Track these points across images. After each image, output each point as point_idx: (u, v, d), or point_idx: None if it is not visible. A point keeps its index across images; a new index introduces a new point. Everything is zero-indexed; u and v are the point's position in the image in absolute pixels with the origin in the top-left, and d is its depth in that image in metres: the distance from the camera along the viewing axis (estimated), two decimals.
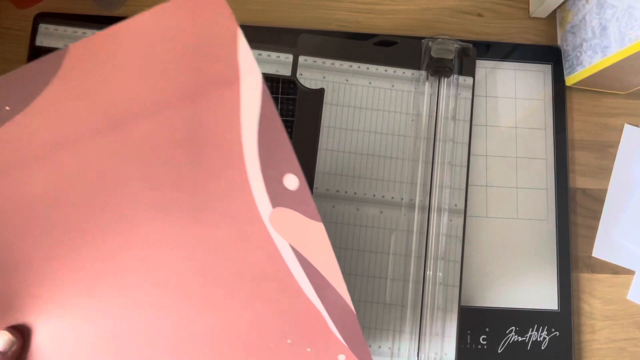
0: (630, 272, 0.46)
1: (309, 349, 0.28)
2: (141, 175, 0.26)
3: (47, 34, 0.45)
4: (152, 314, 0.27)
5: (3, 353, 0.27)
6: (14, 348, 0.27)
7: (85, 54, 0.25)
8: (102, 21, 0.46)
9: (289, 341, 0.28)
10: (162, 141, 0.25)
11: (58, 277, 0.27)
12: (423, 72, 0.45)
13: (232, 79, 0.24)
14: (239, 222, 0.26)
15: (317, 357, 0.28)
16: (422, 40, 0.45)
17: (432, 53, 0.44)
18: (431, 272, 0.42)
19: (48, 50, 0.45)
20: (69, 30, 0.45)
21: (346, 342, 0.28)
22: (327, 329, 0.28)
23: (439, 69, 0.44)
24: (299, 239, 0.26)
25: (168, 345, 0.27)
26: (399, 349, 0.41)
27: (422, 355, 0.40)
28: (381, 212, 0.42)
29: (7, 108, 0.25)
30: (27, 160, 0.26)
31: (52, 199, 0.26)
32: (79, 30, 0.45)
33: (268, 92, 0.24)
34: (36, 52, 0.45)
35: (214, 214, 0.26)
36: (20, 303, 0.27)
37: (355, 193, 0.43)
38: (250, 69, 0.24)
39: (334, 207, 0.43)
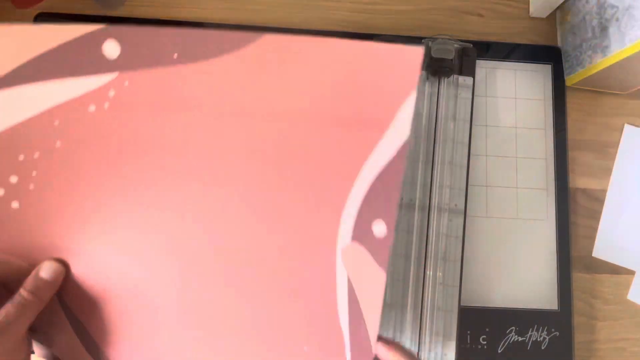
0: (630, 272, 0.46)
1: None
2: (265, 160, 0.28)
3: None
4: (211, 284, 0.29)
5: (51, 282, 0.29)
6: (58, 277, 0.29)
7: (272, 47, 0.27)
8: (102, 21, 0.46)
9: (305, 348, 0.29)
10: (296, 144, 0.28)
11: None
12: (423, 72, 0.45)
13: (382, 126, 0.27)
14: (315, 233, 0.28)
15: None
16: (422, 41, 0.45)
17: (432, 53, 0.44)
18: (431, 272, 0.42)
19: None
20: None
21: None
22: (343, 351, 0.29)
23: (439, 69, 0.44)
24: (358, 277, 0.28)
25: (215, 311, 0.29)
26: None
27: (422, 355, 0.40)
28: None
29: (175, 56, 0.27)
30: (168, 106, 0.28)
31: (161, 143, 0.28)
32: None
33: (405, 153, 0.26)
34: None
35: (300, 211, 0.28)
36: (59, 240, 0.29)
37: None
38: (403, 126, 0.26)
39: None
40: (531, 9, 0.50)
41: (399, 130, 0.26)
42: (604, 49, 0.42)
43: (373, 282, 0.28)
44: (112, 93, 0.28)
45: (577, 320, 0.45)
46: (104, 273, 0.30)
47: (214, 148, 0.28)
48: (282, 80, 0.27)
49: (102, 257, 0.30)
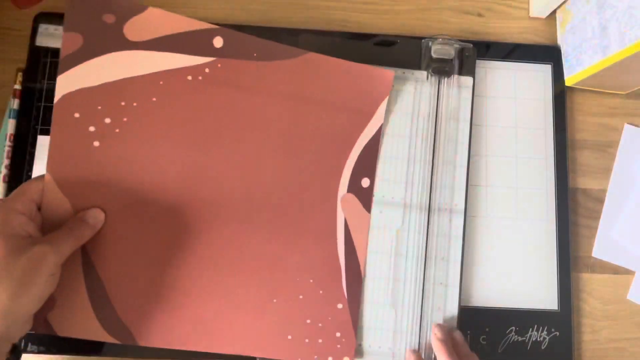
0: (630, 272, 0.46)
1: (321, 292, 0.39)
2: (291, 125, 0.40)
3: (47, 34, 0.45)
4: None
5: (93, 227, 0.36)
6: (98, 225, 0.36)
7: (310, 60, 0.40)
8: None
9: (311, 280, 0.39)
10: (315, 122, 0.40)
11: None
12: (423, 72, 0.45)
13: (368, 115, 0.42)
14: (323, 185, 0.40)
15: (325, 300, 0.39)
16: (422, 41, 0.45)
17: (432, 53, 0.44)
18: (431, 272, 0.42)
19: (48, 50, 0.45)
20: None
21: (347, 295, 0.40)
22: (340, 281, 0.40)
23: (439, 69, 0.44)
24: (351, 219, 0.41)
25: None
26: (399, 349, 0.41)
27: (422, 355, 0.40)
28: (381, 212, 0.42)
29: (255, 55, 0.39)
30: (241, 86, 0.39)
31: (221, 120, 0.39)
32: None
33: (380, 131, 0.42)
34: (36, 52, 0.45)
35: (314, 169, 0.40)
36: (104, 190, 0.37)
37: None
38: (380, 116, 0.42)
39: None
40: (531, 9, 0.50)
41: (378, 118, 0.42)
42: (604, 49, 0.42)
43: (361, 222, 0.41)
44: (207, 70, 0.38)
45: (577, 320, 0.45)
46: (140, 230, 0.37)
47: (263, 119, 0.39)
48: (312, 81, 0.40)
49: (148, 213, 0.37)
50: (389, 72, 0.42)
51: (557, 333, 0.43)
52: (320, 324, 0.39)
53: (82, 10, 0.35)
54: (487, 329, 0.43)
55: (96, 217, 0.36)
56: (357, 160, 0.41)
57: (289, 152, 0.40)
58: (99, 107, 0.36)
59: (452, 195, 0.43)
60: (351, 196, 0.40)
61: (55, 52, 0.45)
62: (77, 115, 0.36)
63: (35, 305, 0.32)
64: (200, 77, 0.37)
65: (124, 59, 0.36)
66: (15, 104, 0.44)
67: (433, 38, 0.45)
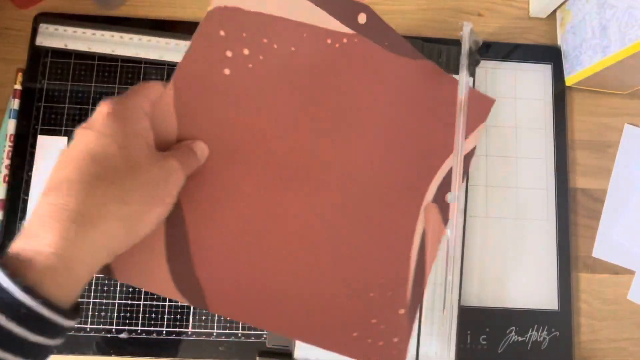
0: (630, 272, 0.46)
1: (389, 294, 0.38)
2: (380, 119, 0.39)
3: (47, 34, 0.44)
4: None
5: (198, 160, 0.31)
6: (202, 159, 0.31)
7: (429, 68, 0.41)
8: (102, 21, 0.46)
9: (382, 280, 0.38)
10: (416, 132, 0.41)
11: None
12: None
13: (467, 133, 0.42)
14: (410, 190, 0.40)
15: (391, 303, 0.38)
16: (464, 24, 0.43)
17: (471, 44, 0.43)
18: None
19: (48, 50, 0.45)
20: (69, 30, 0.45)
21: (410, 302, 0.38)
22: (406, 287, 0.39)
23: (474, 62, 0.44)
24: (430, 228, 0.40)
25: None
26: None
27: (422, 355, 0.40)
28: None
29: (386, 43, 0.39)
30: (358, 64, 0.38)
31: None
32: (79, 30, 0.45)
33: (473, 152, 0.43)
34: (36, 52, 0.45)
35: (407, 173, 0.40)
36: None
37: None
38: (475, 138, 0.43)
39: None
40: (531, 9, 0.50)
41: (473, 140, 0.43)
42: (604, 49, 0.42)
43: (437, 235, 0.40)
44: (345, 40, 0.37)
45: (577, 320, 0.45)
46: (236, 184, 0.34)
47: (377, 107, 0.39)
48: (425, 87, 0.41)
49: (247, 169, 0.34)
50: (490, 99, 0.44)
51: (557, 333, 0.43)
52: (383, 326, 0.37)
53: None
54: (487, 329, 0.43)
55: (203, 150, 0.31)
56: (447, 174, 0.41)
57: (389, 147, 0.39)
58: (244, 35, 0.33)
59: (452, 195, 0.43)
60: (434, 206, 0.40)
61: (55, 52, 0.45)
62: (222, 33, 0.32)
63: (151, 229, 0.27)
64: (337, 45, 0.37)
65: None
66: (15, 104, 0.44)
67: (466, 24, 0.43)
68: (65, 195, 0.23)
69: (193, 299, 0.32)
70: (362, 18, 0.37)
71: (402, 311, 0.38)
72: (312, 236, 0.36)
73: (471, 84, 0.45)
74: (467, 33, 0.42)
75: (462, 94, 0.41)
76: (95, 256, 0.24)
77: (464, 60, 0.42)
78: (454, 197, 0.40)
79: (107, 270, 0.28)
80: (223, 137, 0.33)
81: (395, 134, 0.39)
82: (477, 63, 0.45)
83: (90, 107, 0.44)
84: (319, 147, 0.36)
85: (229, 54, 0.33)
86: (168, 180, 0.27)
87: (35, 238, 0.23)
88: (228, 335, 0.41)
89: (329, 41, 0.36)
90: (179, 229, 0.31)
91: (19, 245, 0.23)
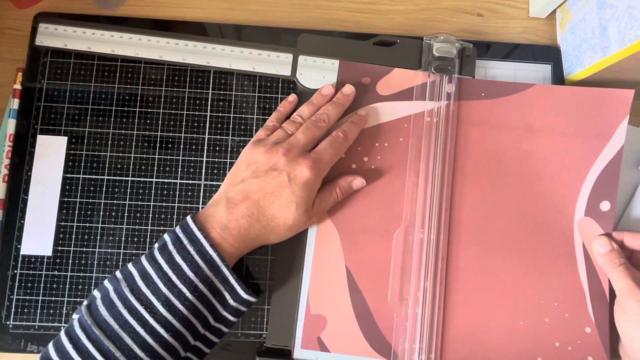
0: None
1: (567, 315, 0.40)
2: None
3: (47, 34, 0.44)
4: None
5: (356, 190, 0.42)
6: (358, 190, 0.42)
7: (538, 92, 0.44)
8: (102, 21, 0.46)
9: (555, 304, 0.41)
10: (552, 151, 0.43)
11: None
12: (425, 73, 0.44)
13: (606, 137, 0.43)
14: (558, 210, 0.42)
15: (572, 323, 0.40)
16: (424, 38, 0.45)
17: (434, 51, 0.44)
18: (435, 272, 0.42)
19: (48, 50, 0.45)
20: (69, 30, 0.45)
21: (594, 319, 0.40)
22: (585, 305, 0.41)
23: (441, 68, 0.44)
24: (589, 241, 0.41)
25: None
26: (399, 349, 0.41)
27: (421, 355, 0.40)
28: None
29: (483, 94, 0.44)
30: (471, 122, 0.44)
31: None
32: (79, 30, 0.45)
33: (621, 153, 0.42)
34: (36, 52, 0.45)
35: (550, 194, 0.42)
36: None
37: None
38: (619, 137, 0.42)
39: None
40: (531, 9, 0.50)
41: (617, 139, 0.42)
42: (604, 49, 0.42)
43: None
44: (442, 111, 0.43)
45: None
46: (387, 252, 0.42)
47: (496, 149, 0.43)
48: (541, 111, 0.44)
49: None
50: (627, 92, 0.43)
51: None
52: (569, 347, 0.40)
53: (349, 74, 0.44)
54: None
55: (361, 183, 0.42)
56: (595, 183, 0.42)
57: (523, 180, 0.42)
58: (359, 149, 0.43)
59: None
60: (589, 220, 0.41)
61: (55, 52, 0.45)
62: (343, 155, 0.42)
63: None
64: (436, 118, 0.43)
65: (376, 110, 0.43)
66: (15, 104, 0.44)
67: (434, 36, 0.45)
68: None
69: (385, 354, 0.40)
70: (449, 87, 0.43)
71: (588, 329, 0.40)
72: (473, 278, 0.41)
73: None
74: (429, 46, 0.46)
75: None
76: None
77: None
78: (608, 205, 0.42)
79: (322, 347, 0.40)
80: (378, 223, 0.42)
81: (526, 168, 0.43)
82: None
83: (90, 107, 0.44)
84: (461, 204, 0.42)
85: (353, 166, 0.43)
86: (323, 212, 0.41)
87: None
88: (228, 335, 0.41)
89: (427, 119, 0.43)
90: (358, 296, 0.41)
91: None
